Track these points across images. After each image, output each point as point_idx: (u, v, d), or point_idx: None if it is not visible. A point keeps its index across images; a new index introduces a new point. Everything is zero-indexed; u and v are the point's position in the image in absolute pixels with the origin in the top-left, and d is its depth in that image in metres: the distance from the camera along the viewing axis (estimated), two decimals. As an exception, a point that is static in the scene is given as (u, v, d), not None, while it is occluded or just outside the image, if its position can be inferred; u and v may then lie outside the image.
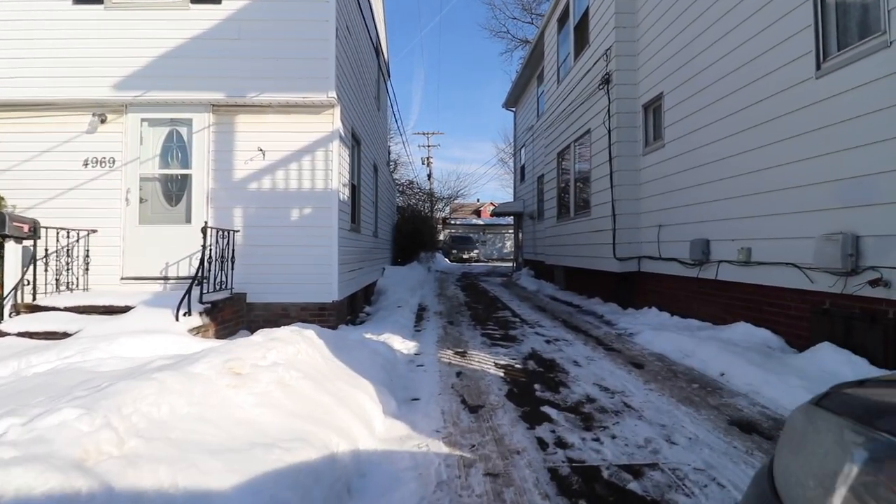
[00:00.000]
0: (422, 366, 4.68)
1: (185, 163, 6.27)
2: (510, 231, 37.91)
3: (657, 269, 6.80)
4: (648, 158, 7.07)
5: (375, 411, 3.00)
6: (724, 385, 3.98)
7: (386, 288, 10.11)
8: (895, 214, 3.29)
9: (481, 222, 39.75)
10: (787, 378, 3.68)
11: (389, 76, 13.91)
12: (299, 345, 3.08)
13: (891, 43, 3.29)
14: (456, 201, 39.04)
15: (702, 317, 5.76)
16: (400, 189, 28.69)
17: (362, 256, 8.54)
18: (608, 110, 7.50)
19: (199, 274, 5.06)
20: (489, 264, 28.31)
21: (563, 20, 10.33)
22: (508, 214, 17.66)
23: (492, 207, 17.16)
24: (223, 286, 5.60)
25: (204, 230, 5.06)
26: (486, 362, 4.81)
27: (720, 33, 5.29)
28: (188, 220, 6.15)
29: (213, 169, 6.21)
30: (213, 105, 6.23)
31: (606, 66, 7.57)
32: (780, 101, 4.38)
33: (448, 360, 4.87)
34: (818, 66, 3.94)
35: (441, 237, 36.97)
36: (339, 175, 6.44)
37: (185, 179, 6.25)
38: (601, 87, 7.73)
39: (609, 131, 7.47)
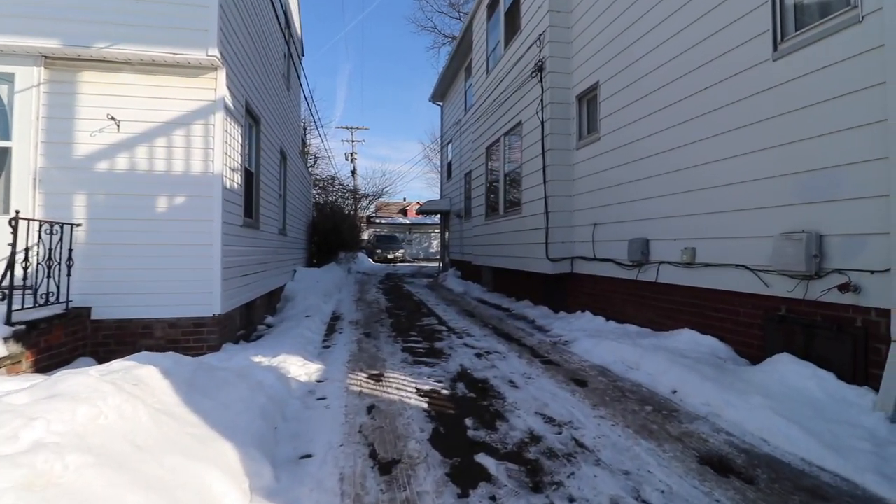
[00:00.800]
0: (323, 399, 3.66)
1: (3, 132, 4.64)
2: (437, 230, 37.39)
3: (592, 270, 6.37)
4: (583, 152, 6.63)
5: (231, 496, 1.96)
6: (680, 406, 3.46)
7: (295, 293, 8.82)
8: (865, 210, 2.92)
9: (407, 221, 38.84)
10: (749, 397, 3.21)
11: (303, 55, 12.49)
12: (107, 401, 1.95)
13: (862, 18, 2.92)
14: (381, 199, 37.73)
15: (640, 322, 5.35)
16: (320, 185, 26.86)
17: (263, 257, 7.23)
18: (541, 100, 6.97)
19: (8, 283, 3.62)
20: (415, 265, 27.48)
21: (493, 6, 9.74)
22: (435, 213, 16.94)
23: (419, 206, 16.28)
24: (53, 299, 4.14)
25: (14, 222, 3.62)
26: (406, 388, 3.91)
27: (662, 16, 4.88)
28: (5, 210, 4.55)
29: (43, 141, 4.66)
30: (46, 57, 4.68)
31: (539, 52, 7.03)
32: (731, 87, 3.99)
33: (359, 388, 3.90)
34: (775, 48, 3.57)
35: (365, 236, 35.47)
36: (226, 157, 5.17)
37: (3, 155, 4.62)
38: (534, 75, 7.18)
39: (542, 123, 6.93)
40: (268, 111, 7.43)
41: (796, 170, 3.39)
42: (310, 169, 27.50)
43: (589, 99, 6.64)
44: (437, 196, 16.96)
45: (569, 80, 6.91)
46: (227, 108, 5.14)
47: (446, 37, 25.92)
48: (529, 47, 7.38)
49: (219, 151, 4.98)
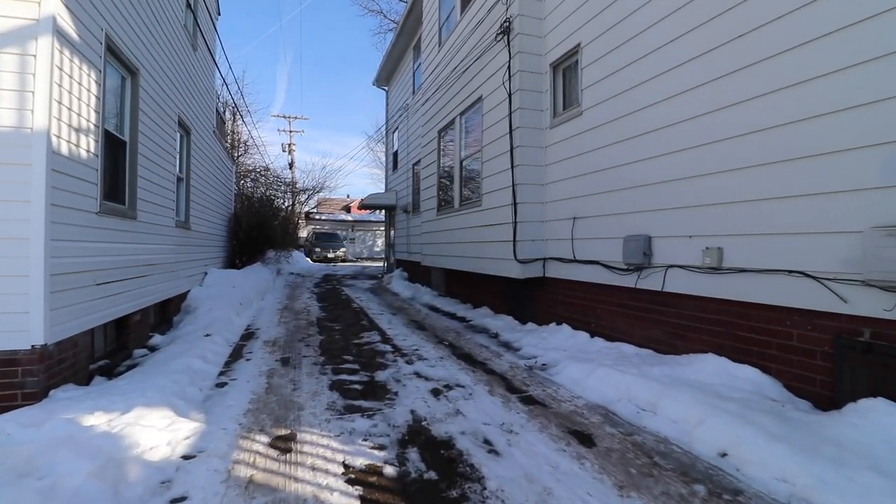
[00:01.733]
0: (183, 501, 2.15)
1: None
2: (382, 228, 35.61)
3: (571, 274, 5.24)
4: (559, 132, 5.49)
5: None
6: (743, 483, 2.32)
7: (200, 302, 7.00)
8: None
9: (350, 218, 36.73)
10: (853, 472, 2.14)
11: (219, 14, 10.49)
12: None
13: None
14: (321, 194, 35.36)
15: (638, 340, 4.27)
16: (251, 176, 24.26)
17: (149, 257, 5.44)
18: (508, 68, 5.75)
19: None
20: (358, 264, 25.64)
21: (446, -34, 8.43)
22: (379, 208, 15.40)
23: (361, 201, 14.67)
24: None
25: None
26: (330, 466, 2.49)
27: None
28: None
29: None
30: None
31: (507, 9, 5.80)
32: (796, 23, 2.94)
33: (250, 472, 2.42)
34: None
35: (304, 234, 32.95)
36: (62, 108, 3.45)
37: None
38: (498, 38, 5.95)
39: (510, 95, 5.72)
40: (154, 63, 5.62)
41: (902, 136, 2.37)
42: (239, 158, 24.86)
43: (566, 67, 5.51)
44: (382, 191, 15.45)
45: (541, 45, 5.74)
46: (60, 35, 3.41)
47: (392, 21, 24.34)
48: (493, 6, 6.15)
49: (42, 97, 3.26)
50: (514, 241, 5.62)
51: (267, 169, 26.49)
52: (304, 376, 4.10)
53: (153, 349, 5.32)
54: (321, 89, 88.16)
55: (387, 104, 15.82)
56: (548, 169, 5.68)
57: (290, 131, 33.47)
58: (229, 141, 24.25)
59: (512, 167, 5.67)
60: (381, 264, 24.16)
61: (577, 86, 5.18)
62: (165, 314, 6.65)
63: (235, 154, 24.58)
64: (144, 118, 5.33)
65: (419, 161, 11.34)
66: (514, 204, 5.63)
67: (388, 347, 5.22)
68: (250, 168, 24.85)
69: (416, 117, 11.70)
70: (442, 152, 8.68)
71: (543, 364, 4.45)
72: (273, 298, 9.43)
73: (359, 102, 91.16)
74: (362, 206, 15.29)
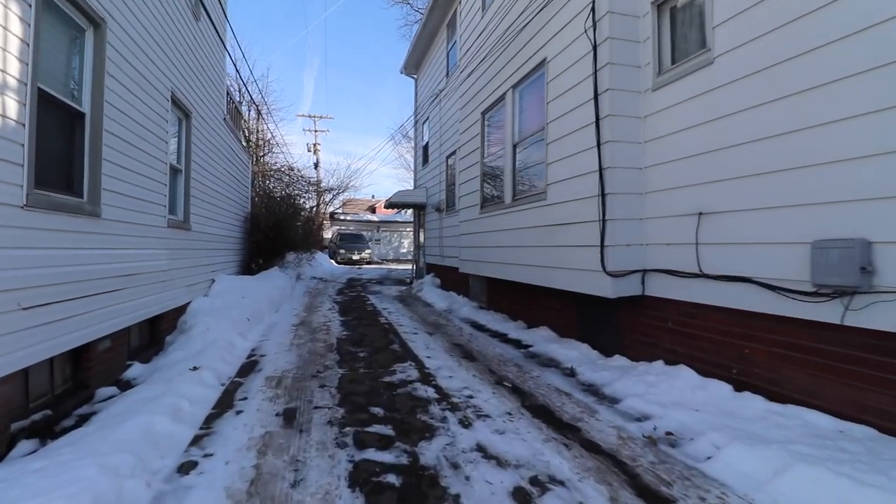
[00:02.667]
0: None
1: None
2: (409, 228, 34.41)
3: (692, 293, 3.70)
4: (667, 94, 3.95)
5: None
6: None
7: (198, 318, 5.77)
8: None
9: (375, 218, 35.73)
10: None
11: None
12: None
13: None
14: (346, 194, 34.48)
15: (836, 408, 2.70)
16: (276, 176, 23.40)
17: (126, 266, 4.20)
18: (592, 10, 4.25)
19: None
20: (384, 267, 24.46)
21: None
22: (407, 206, 14.07)
23: (388, 200, 13.35)
24: None
25: None
26: None
27: None
28: None
29: None
30: None
31: (588, -67, 4.30)
32: None
33: None
34: None
35: (329, 235, 32.07)
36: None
37: None
38: (575, -25, 4.46)
39: (594, 48, 4.22)
40: (131, 16, 4.38)
41: None
42: (263, 158, 24.05)
43: (679, 4, 3.98)
44: (411, 188, 14.09)
45: (638, -23, 4.22)
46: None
47: (418, 11, 23.06)
48: (566, -64, 4.66)
49: None
50: (602, 245, 4.11)
51: (291, 168, 25.71)
52: (313, 452, 2.72)
53: (127, 386, 4.07)
54: (346, 92, 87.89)
55: (416, 93, 14.49)
56: (648, 147, 4.15)
57: (315, 131, 32.74)
58: (250, 138, 23.51)
59: (598, 145, 4.16)
60: (408, 267, 22.89)
61: (703, 24, 3.64)
62: (155, 334, 5.44)
63: (259, 154, 23.85)
64: (116, 86, 4.08)
65: (455, 152, 9.93)
66: (602, 195, 4.12)
67: (431, 392, 3.80)
68: (274, 168, 24.07)
69: (451, 102, 10.30)
70: (487, 137, 7.23)
71: (668, 432, 2.95)
72: (289, 310, 8.17)
73: (383, 104, 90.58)
74: (389, 205, 14.00)
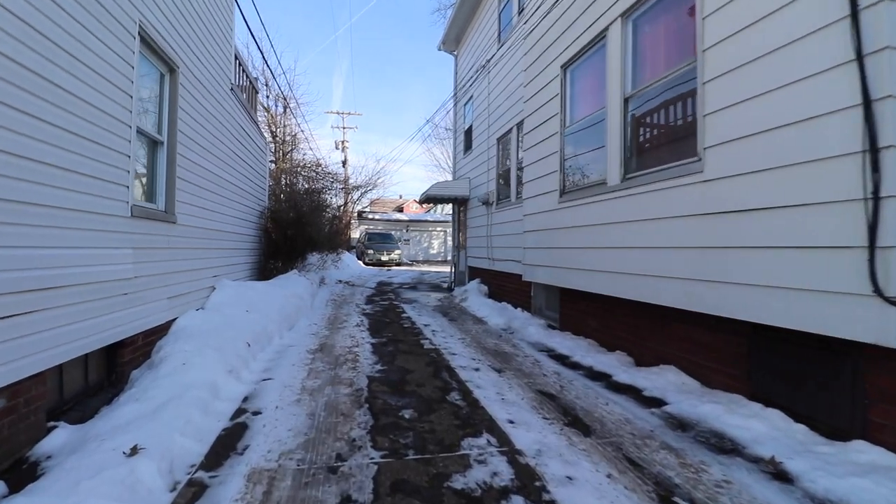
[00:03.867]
0: None
1: None
2: (439, 228, 32.70)
3: None
4: None
5: None
6: None
7: (175, 346, 4.09)
8: None
9: (404, 217, 34.19)
10: None
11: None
12: None
13: None
14: (374, 192, 33.03)
15: None
16: (303, 173, 22.07)
17: (45, 277, 2.51)
18: None
19: None
20: (414, 269, 22.78)
21: None
22: (445, 201, 12.27)
23: (423, 193, 11.56)
24: None
25: None
26: None
27: None
28: None
29: None
30: None
31: None
32: None
33: None
34: None
35: (356, 234, 30.70)
36: None
37: None
38: None
39: None
40: None
41: None
42: (289, 154, 22.78)
43: None
44: (450, 179, 12.19)
45: None
46: None
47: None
48: None
49: None
50: (873, 247, 2.16)
51: (319, 164, 24.39)
52: None
53: (24, 478, 2.40)
54: (373, 94, 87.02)
55: (455, 72, 12.68)
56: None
57: (344, 127, 31.47)
58: (276, 133, 22.25)
59: (860, 57, 2.21)
60: (441, 270, 21.11)
61: None
62: (115, 367, 3.80)
63: (285, 150, 22.58)
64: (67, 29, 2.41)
65: (507, 133, 8.07)
66: (873, 151, 2.17)
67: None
68: (300, 164, 22.76)
69: (505, 71, 8.43)
70: (572, 95, 5.32)
71: None
72: (306, 326, 6.47)
73: (410, 107, 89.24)
74: (424, 200, 12.23)
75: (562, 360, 4.85)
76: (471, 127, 11.10)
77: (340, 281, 13.37)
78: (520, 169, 7.72)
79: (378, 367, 4.51)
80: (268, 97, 22.70)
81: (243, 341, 4.64)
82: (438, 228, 32.96)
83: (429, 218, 33.36)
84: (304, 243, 9.92)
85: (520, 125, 7.78)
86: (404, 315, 7.74)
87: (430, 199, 12.17)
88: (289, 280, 8.11)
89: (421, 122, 41.88)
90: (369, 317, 7.51)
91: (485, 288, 9.52)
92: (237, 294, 6.16)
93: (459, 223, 12.53)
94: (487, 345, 5.54)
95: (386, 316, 7.64)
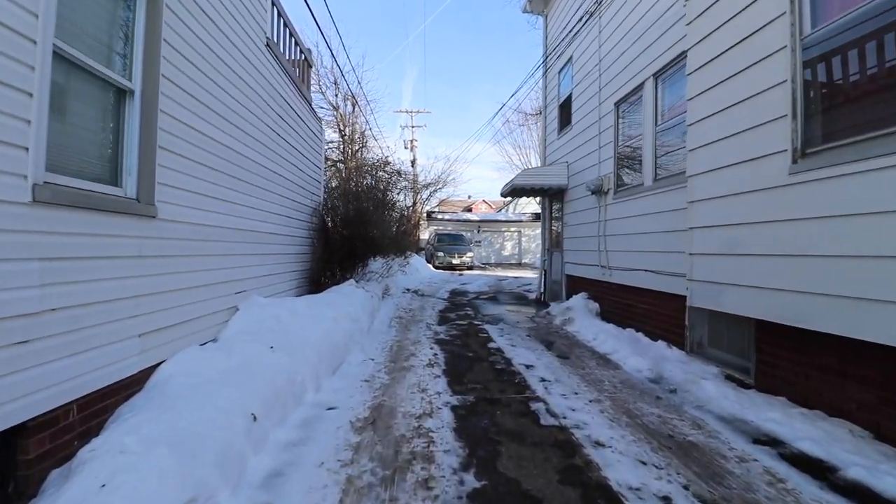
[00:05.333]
0: None
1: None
2: (513, 228, 30.25)
3: None
4: None
5: None
6: None
7: (140, 423, 2.31)
8: None
9: (475, 217, 32.19)
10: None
11: None
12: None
13: None
14: (445, 190, 31.33)
15: None
16: (371, 172, 20.85)
17: None
18: None
19: None
20: (488, 273, 20.62)
21: None
22: (535, 192, 10.00)
23: (507, 184, 9.29)
24: None
25: None
26: None
27: None
28: None
29: None
30: None
31: None
32: None
33: None
34: None
35: (425, 235, 29.21)
36: None
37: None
38: None
39: None
40: None
41: None
42: (357, 153, 21.68)
43: None
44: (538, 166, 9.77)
45: None
46: None
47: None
48: None
49: None
50: None
51: (387, 163, 23.12)
52: None
53: None
54: (444, 93, 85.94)
55: (545, 35, 10.34)
56: None
57: (413, 126, 30.19)
58: (344, 131, 21.24)
59: None
60: (517, 274, 18.76)
61: None
62: (13, 469, 2.09)
63: (353, 148, 21.54)
64: None
65: (648, 81, 5.66)
66: None
67: None
68: (368, 163, 21.57)
69: (628, 10, 6.01)
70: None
71: None
72: (358, 367, 4.56)
73: (476, 110, 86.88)
74: (508, 193, 10.06)
75: (808, 468, 2.46)
76: (569, 97, 8.73)
77: (408, 290, 11.58)
78: (661, 136, 5.29)
79: (470, 476, 2.42)
80: (336, 96, 21.85)
81: (245, 410, 2.79)
82: (512, 228, 30.54)
83: (501, 217, 31.06)
84: (366, 247, 8.18)
85: (660, 73, 5.35)
86: (492, 345, 5.63)
87: (515, 192, 9.96)
88: (342, 294, 6.33)
89: (488, 127, 39.62)
90: (445, 347, 5.49)
91: (595, 306, 7.13)
92: (265, 318, 4.42)
93: (551, 219, 10.18)
94: (647, 419, 3.26)
95: (467, 346, 5.58)
